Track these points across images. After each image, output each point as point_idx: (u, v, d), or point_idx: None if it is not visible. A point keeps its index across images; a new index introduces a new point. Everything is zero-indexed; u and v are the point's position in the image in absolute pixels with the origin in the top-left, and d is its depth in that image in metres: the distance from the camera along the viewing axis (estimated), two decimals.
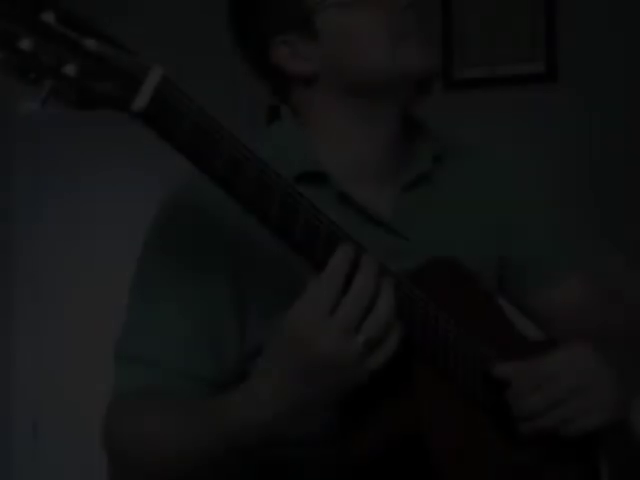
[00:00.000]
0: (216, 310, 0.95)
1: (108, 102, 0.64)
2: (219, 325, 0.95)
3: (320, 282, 0.76)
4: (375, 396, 0.85)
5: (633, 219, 2.49)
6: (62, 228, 2.98)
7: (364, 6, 0.97)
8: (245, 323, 0.96)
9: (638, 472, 1.10)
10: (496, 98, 2.59)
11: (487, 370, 0.96)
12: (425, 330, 0.87)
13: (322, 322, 0.75)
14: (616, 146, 2.51)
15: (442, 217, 1.08)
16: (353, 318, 0.75)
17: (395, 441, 0.86)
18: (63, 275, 2.98)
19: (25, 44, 0.57)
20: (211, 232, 0.95)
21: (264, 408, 0.79)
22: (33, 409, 2.96)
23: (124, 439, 0.92)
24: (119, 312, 0.99)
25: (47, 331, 2.98)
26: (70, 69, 0.60)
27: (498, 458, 0.94)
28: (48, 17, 0.58)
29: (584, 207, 2.43)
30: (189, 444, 0.85)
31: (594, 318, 1.16)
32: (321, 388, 0.77)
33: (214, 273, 0.95)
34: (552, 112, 2.56)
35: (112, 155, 2.93)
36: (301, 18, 0.98)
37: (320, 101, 1.03)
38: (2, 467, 2.92)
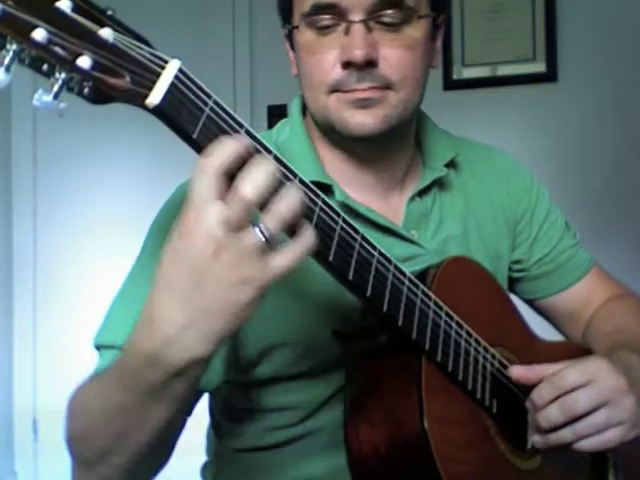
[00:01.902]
0: None
1: (122, 96, 0.62)
2: None
3: (202, 169, 0.65)
4: (382, 395, 0.85)
5: (631, 216, 2.49)
6: (61, 227, 2.98)
7: (317, 41, 0.93)
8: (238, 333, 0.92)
9: None
10: (496, 98, 2.59)
11: (502, 376, 0.95)
12: (435, 333, 0.86)
13: (206, 209, 0.64)
14: (616, 146, 2.51)
15: (454, 220, 1.08)
16: (245, 205, 0.64)
17: (398, 441, 0.84)
18: (63, 275, 2.97)
19: (39, 34, 0.56)
20: None
21: (157, 326, 0.67)
22: (33, 409, 2.95)
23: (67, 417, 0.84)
24: None
25: (47, 330, 2.98)
26: (84, 61, 0.59)
27: (502, 464, 0.93)
28: (64, 6, 0.57)
29: (584, 206, 2.44)
30: (105, 400, 0.77)
31: (608, 322, 1.16)
32: (215, 292, 0.65)
33: None
34: (552, 112, 2.56)
35: (113, 152, 2.93)
36: (289, 27, 0.98)
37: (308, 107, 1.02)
38: (2, 467, 2.90)
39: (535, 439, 0.93)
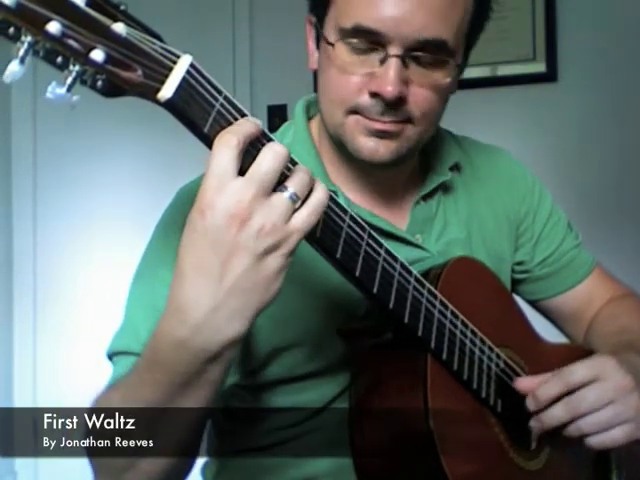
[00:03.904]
0: None
1: (134, 90, 0.63)
2: None
3: (223, 142, 0.66)
4: (387, 393, 0.86)
5: (631, 216, 2.50)
6: (61, 228, 2.97)
7: (349, 59, 0.90)
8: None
9: None
10: (496, 98, 2.59)
11: (506, 376, 0.95)
12: (441, 331, 0.87)
13: (230, 178, 0.65)
14: (615, 146, 2.51)
15: (458, 223, 1.08)
16: (282, 160, 0.67)
17: (403, 440, 0.85)
18: (62, 275, 2.96)
19: (53, 27, 0.56)
20: None
21: (185, 313, 0.67)
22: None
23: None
24: (120, 310, 0.96)
25: (47, 330, 2.97)
26: (97, 54, 0.59)
27: (506, 464, 0.93)
28: None
29: (583, 206, 2.44)
30: (134, 401, 0.75)
31: (610, 322, 1.16)
32: (243, 267, 0.65)
33: None
34: (552, 112, 2.56)
35: (113, 153, 2.93)
36: (325, 42, 0.95)
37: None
38: (2, 467, 2.90)
39: (539, 437, 0.93)
